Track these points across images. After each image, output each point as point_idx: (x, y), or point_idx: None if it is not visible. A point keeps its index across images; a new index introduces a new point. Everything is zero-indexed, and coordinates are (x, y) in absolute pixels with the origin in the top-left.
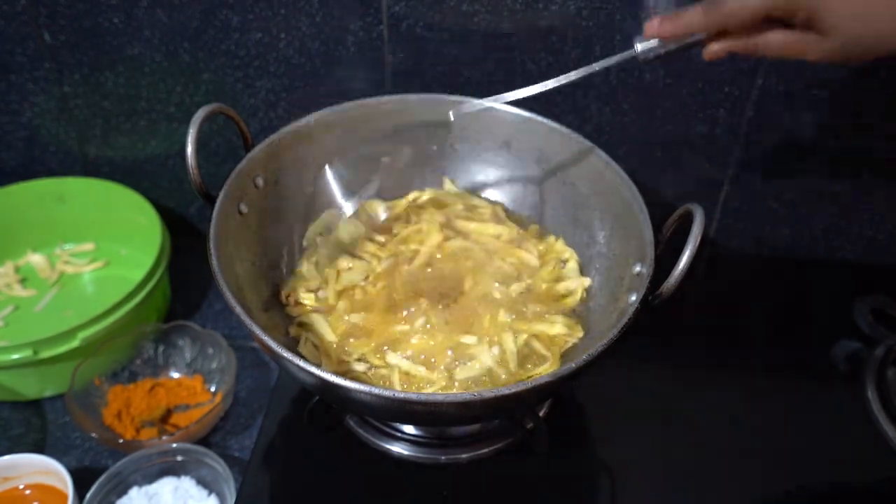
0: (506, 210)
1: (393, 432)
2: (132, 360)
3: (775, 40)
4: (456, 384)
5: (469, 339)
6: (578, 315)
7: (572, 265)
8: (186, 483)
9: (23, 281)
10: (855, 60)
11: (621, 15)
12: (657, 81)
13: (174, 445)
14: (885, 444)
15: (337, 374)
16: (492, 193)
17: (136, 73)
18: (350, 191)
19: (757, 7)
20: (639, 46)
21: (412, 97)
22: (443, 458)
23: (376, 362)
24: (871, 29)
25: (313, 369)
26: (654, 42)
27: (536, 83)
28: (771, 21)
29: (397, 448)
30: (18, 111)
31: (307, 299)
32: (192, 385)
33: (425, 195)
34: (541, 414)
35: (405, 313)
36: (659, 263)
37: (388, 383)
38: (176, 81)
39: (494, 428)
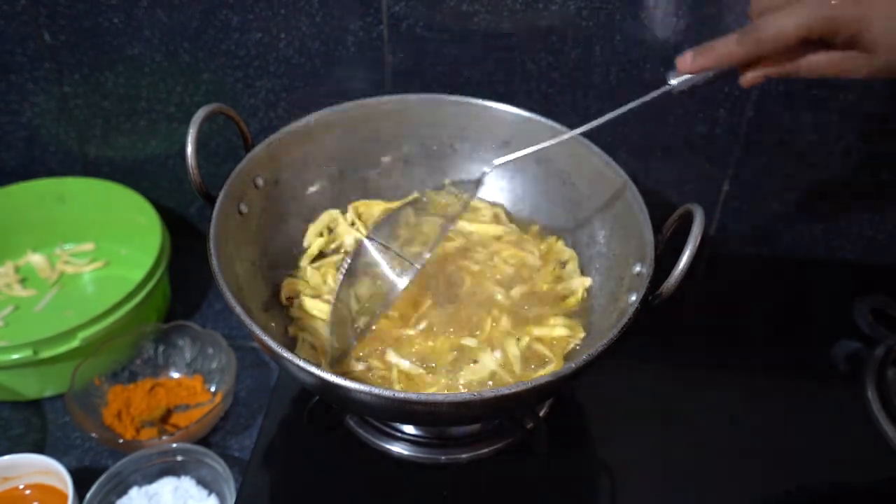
0: (506, 211)
1: (393, 432)
2: (132, 360)
3: (818, 62)
4: (460, 387)
5: (471, 342)
6: (579, 315)
7: (573, 265)
8: (186, 483)
9: (23, 281)
10: None
11: (621, 15)
12: (657, 81)
13: (174, 445)
14: (885, 444)
15: (337, 374)
16: (492, 193)
17: (136, 73)
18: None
19: (794, 32)
20: (673, 81)
21: (412, 97)
22: (443, 458)
23: (377, 364)
24: None
25: (313, 369)
26: (687, 76)
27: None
28: (809, 43)
29: (397, 448)
30: (18, 111)
31: (315, 309)
32: (192, 385)
33: (425, 197)
34: (541, 414)
35: (412, 319)
36: (659, 263)
37: (388, 385)
38: (176, 81)
39: (494, 428)
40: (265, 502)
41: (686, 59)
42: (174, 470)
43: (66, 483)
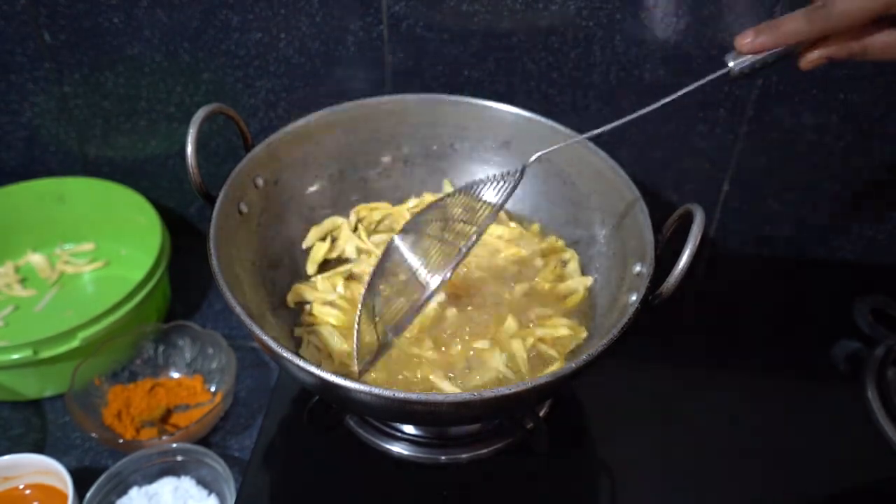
0: (506, 211)
1: (393, 432)
2: (132, 360)
3: (885, 41)
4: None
5: (483, 344)
6: (581, 315)
7: (573, 265)
8: (186, 483)
9: (23, 281)
10: None
11: (621, 15)
12: (657, 81)
13: (174, 445)
14: (885, 444)
15: (337, 374)
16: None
17: (136, 73)
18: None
19: (870, 8)
20: (731, 62)
21: (412, 97)
22: (443, 458)
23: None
24: None
25: (313, 369)
26: (747, 57)
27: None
28: (880, 22)
29: (397, 448)
30: (18, 111)
31: (328, 315)
32: (192, 385)
33: (423, 201)
34: (541, 414)
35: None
36: (659, 263)
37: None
38: (176, 81)
39: (494, 428)
40: (265, 502)
41: (747, 38)
42: (174, 470)
43: (66, 483)
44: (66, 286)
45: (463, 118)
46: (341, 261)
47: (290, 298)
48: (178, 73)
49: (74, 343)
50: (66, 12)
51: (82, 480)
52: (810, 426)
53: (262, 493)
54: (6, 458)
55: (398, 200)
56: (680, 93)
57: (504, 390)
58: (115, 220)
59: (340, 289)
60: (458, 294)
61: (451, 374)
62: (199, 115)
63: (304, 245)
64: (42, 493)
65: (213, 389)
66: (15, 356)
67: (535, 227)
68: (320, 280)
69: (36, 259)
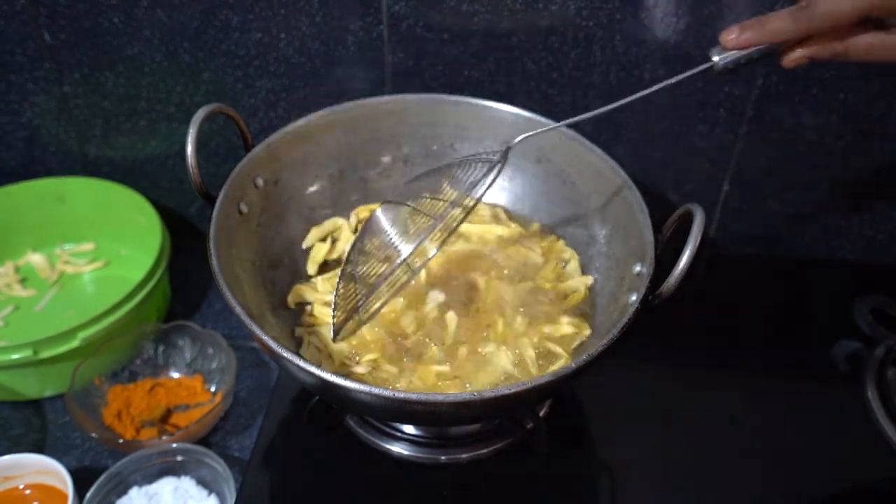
0: (506, 210)
1: (393, 432)
2: (132, 360)
3: (870, 44)
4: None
5: (489, 347)
6: (583, 313)
7: (574, 265)
8: (186, 483)
9: (23, 281)
10: None
11: (621, 15)
12: (657, 81)
13: (174, 445)
14: (885, 444)
15: (337, 374)
16: (492, 193)
17: (136, 73)
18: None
19: (852, 9)
20: (716, 58)
21: (412, 97)
22: (443, 458)
23: (387, 368)
24: None
25: (313, 369)
26: (731, 52)
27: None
28: (862, 23)
29: (397, 448)
30: (18, 111)
31: (327, 316)
32: (192, 385)
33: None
34: (541, 414)
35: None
36: (659, 263)
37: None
38: (176, 81)
39: (494, 428)
40: (265, 502)
41: (731, 34)
42: (174, 470)
43: (66, 483)
44: (66, 286)
45: (463, 118)
46: (342, 262)
47: (291, 299)
48: (178, 73)
49: (74, 343)
50: (66, 12)
51: (82, 480)
52: (810, 426)
53: (262, 493)
54: (6, 458)
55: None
56: (661, 85)
57: (504, 390)
58: (115, 220)
59: (341, 290)
60: (458, 294)
61: (459, 380)
62: (199, 115)
63: (304, 245)
64: (42, 493)
65: (213, 389)
66: (15, 356)
67: (535, 227)
68: (321, 281)
69: (36, 259)
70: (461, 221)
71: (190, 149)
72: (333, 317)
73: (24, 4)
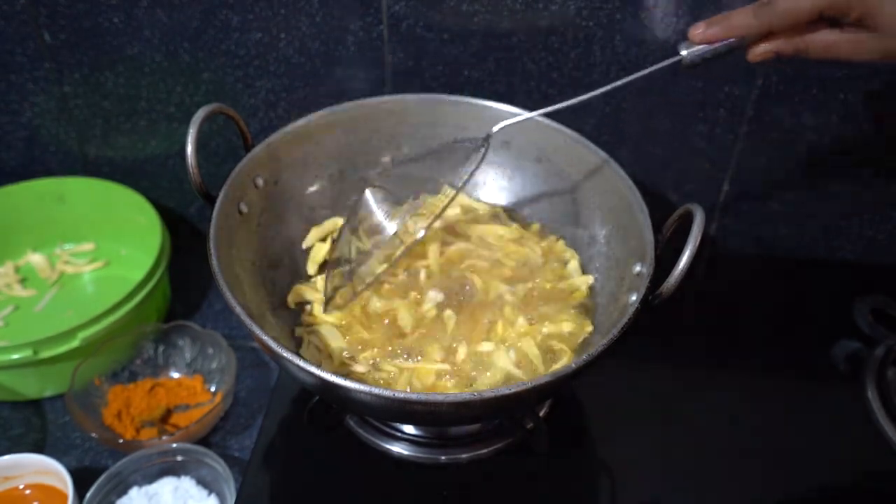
0: (506, 210)
1: (393, 432)
2: (132, 360)
3: (827, 41)
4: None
5: (487, 347)
6: (585, 311)
7: (574, 264)
8: (186, 483)
9: (23, 281)
10: None
11: (621, 15)
12: (657, 81)
13: (174, 445)
14: (885, 444)
15: (337, 374)
16: (492, 194)
17: (136, 73)
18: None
19: (810, 7)
20: (684, 52)
21: (412, 97)
22: (443, 458)
23: (387, 367)
24: None
25: (313, 369)
26: (699, 46)
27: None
28: (820, 21)
29: (397, 448)
30: (18, 111)
31: (329, 316)
32: (192, 385)
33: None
34: (541, 414)
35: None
36: (659, 263)
37: (392, 387)
38: (176, 81)
39: (494, 428)
40: (265, 502)
41: (699, 29)
42: (174, 470)
43: (66, 483)
44: (66, 286)
45: (463, 118)
46: (341, 262)
47: (291, 299)
48: (178, 73)
49: (74, 343)
50: (66, 12)
51: (82, 480)
52: (810, 426)
53: (262, 493)
54: (6, 458)
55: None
56: (632, 77)
57: (504, 390)
58: (115, 220)
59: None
60: (457, 294)
61: (459, 380)
62: (199, 115)
63: (304, 245)
64: (42, 493)
65: (213, 389)
66: (15, 356)
67: (535, 227)
68: (321, 280)
69: (36, 259)
70: (447, 205)
71: (190, 149)
72: (325, 286)
73: (24, 4)
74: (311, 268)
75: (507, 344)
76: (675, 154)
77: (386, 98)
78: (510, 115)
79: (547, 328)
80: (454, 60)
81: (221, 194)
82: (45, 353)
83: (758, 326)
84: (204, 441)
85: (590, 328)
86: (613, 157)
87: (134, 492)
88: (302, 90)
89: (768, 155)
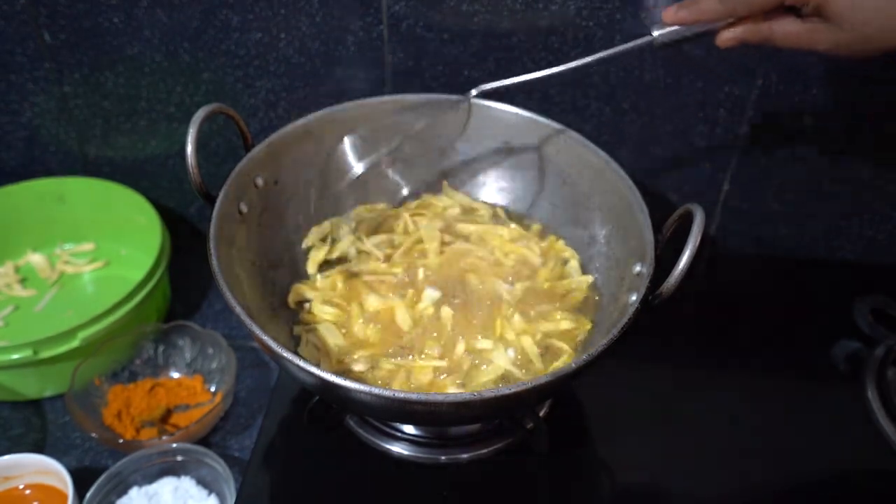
0: (506, 210)
1: (393, 432)
2: (132, 360)
3: (784, 29)
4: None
5: (485, 344)
6: (585, 311)
7: (574, 264)
8: (186, 483)
9: (23, 281)
10: (861, 52)
11: (621, 15)
12: (657, 81)
13: (174, 445)
14: (885, 444)
15: (336, 373)
16: (492, 194)
17: (136, 73)
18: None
19: None
20: (655, 32)
21: (412, 97)
22: (443, 458)
23: (385, 365)
24: (877, 17)
25: (313, 369)
26: (670, 28)
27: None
28: (785, 10)
29: (397, 448)
30: (18, 111)
31: (324, 313)
32: (192, 385)
33: (422, 203)
34: (541, 414)
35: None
36: (659, 263)
37: (390, 385)
38: (176, 81)
39: (494, 428)
40: (265, 502)
41: (671, 10)
42: (174, 470)
43: (66, 483)
44: (66, 286)
45: (463, 118)
46: (341, 261)
47: (291, 299)
48: (178, 73)
49: (74, 343)
50: (66, 12)
51: (82, 480)
52: (810, 426)
53: (262, 493)
54: (6, 458)
55: (398, 201)
56: (606, 53)
57: (504, 390)
58: (115, 220)
59: (340, 286)
60: (455, 292)
61: (457, 377)
62: (199, 115)
63: (304, 245)
64: (42, 493)
65: (213, 389)
66: (15, 356)
67: (535, 227)
68: (320, 278)
69: (36, 259)
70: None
71: (190, 149)
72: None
73: (24, 4)
74: (311, 268)
75: (505, 341)
76: (675, 154)
77: (386, 98)
78: (510, 115)
79: (545, 326)
80: (454, 60)
81: (221, 194)
82: (45, 353)
83: (758, 326)
84: (204, 441)
85: (588, 326)
86: (613, 158)
87: (134, 492)
88: (302, 90)
89: (768, 155)
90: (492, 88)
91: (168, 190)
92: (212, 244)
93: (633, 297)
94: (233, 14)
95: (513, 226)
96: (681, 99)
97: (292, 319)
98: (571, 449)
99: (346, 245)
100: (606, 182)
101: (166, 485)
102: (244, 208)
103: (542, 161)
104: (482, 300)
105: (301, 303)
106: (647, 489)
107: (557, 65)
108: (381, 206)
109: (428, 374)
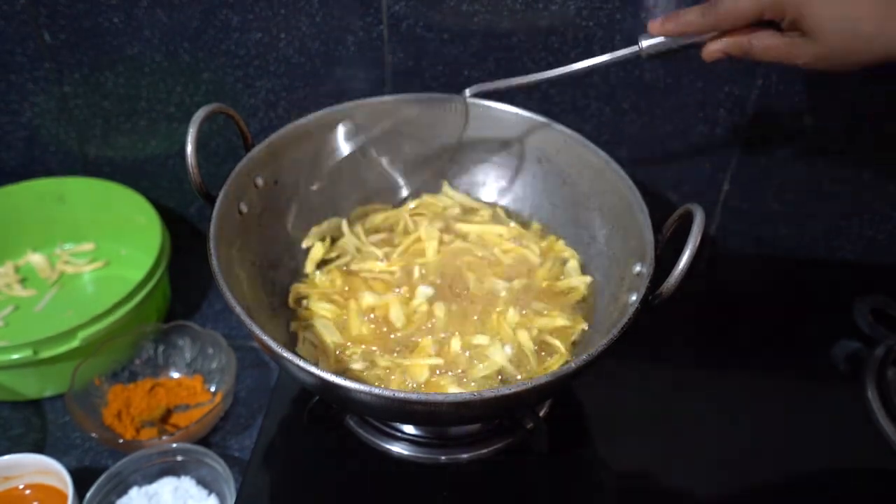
0: (506, 210)
1: (393, 432)
2: (132, 360)
3: (763, 42)
4: (472, 385)
5: (482, 340)
6: (583, 311)
7: (573, 264)
8: (186, 483)
9: (23, 281)
10: (840, 66)
11: (621, 15)
12: (657, 81)
13: (174, 445)
14: (885, 444)
15: (336, 373)
16: (492, 193)
17: (136, 73)
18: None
19: (748, 8)
20: (643, 43)
21: (412, 97)
22: (443, 458)
23: (382, 363)
24: (853, 30)
25: (313, 369)
26: (656, 39)
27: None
28: (765, 24)
29: (397, 448)
30: (18, 111)
31: (322, 310)
32: (192, 385)
33: (422, 203)
34: (541, 414)
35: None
36: (659, 263)
37: (387, 383)
38: (176, 81)
39: (494, 428)
40: (265, 502)
41: (657, 22)
42: (174, 470)
43: (66, 483)
44: (66, 286)
45: (463, 118)
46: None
47: (291, 298)
48: (178, 73)
49: (74, 343)
50: (66, 12)
51: (82, 480)
52: (810, 426)
53: (262, 493)
54: (6, 458)
55: (398, 201)
56: (591, 62)
57: (504, 390)
58: (115, 220)
59: (339, 283)
60: (451, 289)
61: (453, 373)
62: (199, 115)
63: (304, 245)
64: (42, 493)
65: (213, 389)
66: (15, 356)
67: (535, 226)
68: (318, 275)
69: (36, 259)
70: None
71: (190, 149)
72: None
73: (24, 4)
74: (311, 267)
75: (501, 336)
76: (675, 154)
77: (386, 98)
78: (510, 115)
79: (540, 322)
80: (454, 60)
81: (221, 194)
82: (45, 353)
83: (758, 326)
84: (204, 441)
85: (583, 325)
86: (613, 157)
87: (134, 492)
88: (302, 90)
89: (768, 155)
90: (488, 90)
91: (168, 190)
92: (212, 244)
93: (633, 297)
94: (233, 14)
95: (512, 224)
96: (681, 99)
97: (292, 319)
98: (571, 449)
99: (345, 244)
100: (606, 182)
101: (166, 485)
102: (244, 208)
103: (542, 161)
104: (479, 297)
105: (300, 300)
106: (647, 489)
107: (557, 65)
108: (380, 205)
109: (424, 372)
